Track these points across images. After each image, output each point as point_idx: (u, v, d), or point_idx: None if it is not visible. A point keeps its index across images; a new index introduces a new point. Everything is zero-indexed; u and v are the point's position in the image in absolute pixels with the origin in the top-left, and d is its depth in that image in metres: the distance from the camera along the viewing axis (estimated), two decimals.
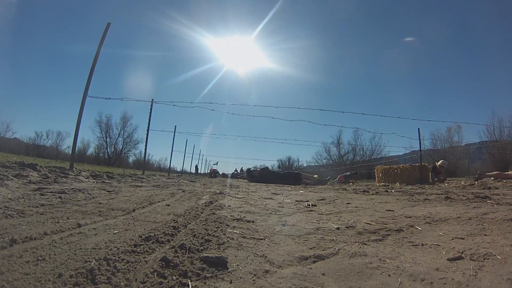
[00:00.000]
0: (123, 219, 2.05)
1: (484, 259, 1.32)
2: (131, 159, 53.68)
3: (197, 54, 60.69)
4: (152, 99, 13.35)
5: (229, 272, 1.16)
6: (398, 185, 9.54)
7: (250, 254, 1.42)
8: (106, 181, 5.68)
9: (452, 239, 1.68)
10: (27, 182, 3.84)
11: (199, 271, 1.12)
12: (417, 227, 2.01)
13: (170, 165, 22.26)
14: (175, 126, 19.48)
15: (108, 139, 50.75)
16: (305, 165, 47.15)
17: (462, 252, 1.41)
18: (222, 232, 1.80)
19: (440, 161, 11.71)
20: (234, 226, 2.01)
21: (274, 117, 19.42)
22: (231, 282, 1.07)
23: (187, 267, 1.14)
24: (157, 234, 1.57)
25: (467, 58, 56.85)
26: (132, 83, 48.38)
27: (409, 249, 1.54)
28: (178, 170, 32.19)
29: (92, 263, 1.10)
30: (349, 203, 3.55)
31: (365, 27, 69.73)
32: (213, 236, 1.67)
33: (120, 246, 1.34)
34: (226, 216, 2.38)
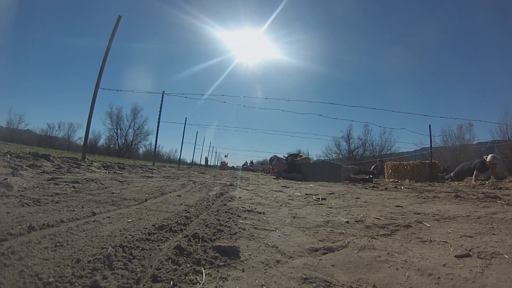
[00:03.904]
0: (136, 208, 2.10)
1: (491, 257, 1.33)
2: (141, 150, 54.46)
3: (208, 46, 60.90)
4: (163, 91, 13.32)
5: (241, 261, 1.19)
6: (408, 181, 9.47)
7: (262, 244, 1.45)
8: (117, 171, 5.77)
9: (460, 236, 1.68)
10: (41, 172, 3.91)
11: (212, 260, 1.16)
12: (425, 223, 2.01)
13: (180, 156, 22.46)
14: (186, 118, 19.57)
15: (118, 131, 51.56)
16: (314, 158, 46.95)
17: (469, 250, 1.42)
18: (234, 222, 1.83)
19: (490, 156, 9.29)
20: (245, 217, 2.04)
21: (284, 109, 19.36)
22: (243, 271, 1.10)
23: (201, 256, 1.17)
24: (170, 223, 1.60)
25: (481, 53, 55.51)
26: (142, 75, 48.95)
27: (417, 244, 1.55)
28: (188, 162, 32.46)
29: (109, 250, 1.12)
30: (358, 198, 3.55)
31: (378, 21, 68.70)
32: (225, 226, 1.70)
33: (135, 234, 1.37)
34: (237, 208, 2.42)
